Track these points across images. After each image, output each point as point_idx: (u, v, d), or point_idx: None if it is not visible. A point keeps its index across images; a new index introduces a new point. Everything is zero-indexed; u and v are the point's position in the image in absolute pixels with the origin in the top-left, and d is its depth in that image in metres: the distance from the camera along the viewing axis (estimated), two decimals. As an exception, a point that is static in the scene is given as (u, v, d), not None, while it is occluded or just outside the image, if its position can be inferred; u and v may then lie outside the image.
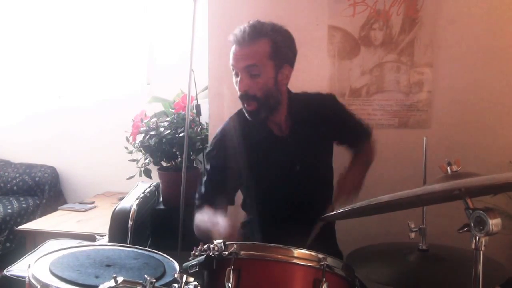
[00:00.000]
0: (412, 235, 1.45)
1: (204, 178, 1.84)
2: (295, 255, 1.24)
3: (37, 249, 2.43)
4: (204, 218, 1.65)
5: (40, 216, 3.36)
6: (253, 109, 1.72)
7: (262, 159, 1.78)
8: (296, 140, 1.79)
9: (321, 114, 1.82)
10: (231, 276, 1.19)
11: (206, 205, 1.72)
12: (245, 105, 1.74)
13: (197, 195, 1.83)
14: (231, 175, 1.79)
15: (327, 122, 1.82)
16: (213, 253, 1.24)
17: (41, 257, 1.40)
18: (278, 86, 1.73)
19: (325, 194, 1.82)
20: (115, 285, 1.09)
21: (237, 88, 1.73)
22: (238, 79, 1.71)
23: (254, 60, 1.67)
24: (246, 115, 1.76)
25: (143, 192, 2.51)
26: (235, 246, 1.24)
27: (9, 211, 3.37)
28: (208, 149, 1.95)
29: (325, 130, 1.82)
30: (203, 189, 1.81)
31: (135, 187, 2.67)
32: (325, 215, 1.46)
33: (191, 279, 1.17)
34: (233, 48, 1.71)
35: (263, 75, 1.69)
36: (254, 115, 1.74)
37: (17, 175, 3.79)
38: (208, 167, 1.85)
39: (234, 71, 1.73)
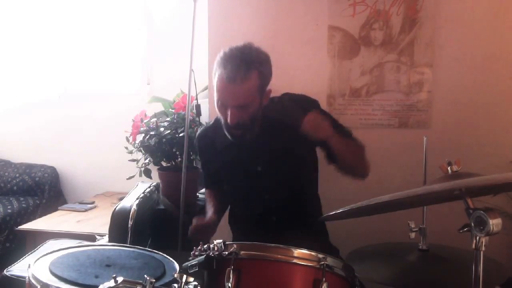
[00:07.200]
0: (412, 235, 1.45)
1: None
2: (295, 255, 1.24)
3: (37, 249, 2.43)
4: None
5: (40, 216, 3.35)
6: (240, 134, 1.76)
7: (234, 158, 1.87)
8: (260, 142, 1.82)
9: (296, 116, 1.78)
10: (231, 276, 1.20)
11: (206, 189, 2.08)
12: (232, 131, 1.76)
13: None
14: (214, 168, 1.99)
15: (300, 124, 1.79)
16: (213, 253, 1.24)
17: (41, 257, 1.39)
18: (261, 106, 1.77)
19: (296, 194, 1.84)
20: (115, 285, 1.09)
21: (224, 118, 1.74)
22: (228, 112, 1.70)
23: (245, 99, 1.69)
24: (231, 139, 1.79)
25: (143, 192, 2.50)
26: (235, 246, 1.25)
27: (9, 211, 3.36)
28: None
29: (299, 133, 1.78)
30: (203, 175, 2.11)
31: (135, 187, 2.66)
32: (325, 215, 1.46)
33: (191, 279, 1.17)
34: (223, 82, 1.68)
35: (252, 106, 1.72)
36: (240, 139, 1.78)
37: (17, 175, 3.79)
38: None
39: (220, 102, 1.73)
